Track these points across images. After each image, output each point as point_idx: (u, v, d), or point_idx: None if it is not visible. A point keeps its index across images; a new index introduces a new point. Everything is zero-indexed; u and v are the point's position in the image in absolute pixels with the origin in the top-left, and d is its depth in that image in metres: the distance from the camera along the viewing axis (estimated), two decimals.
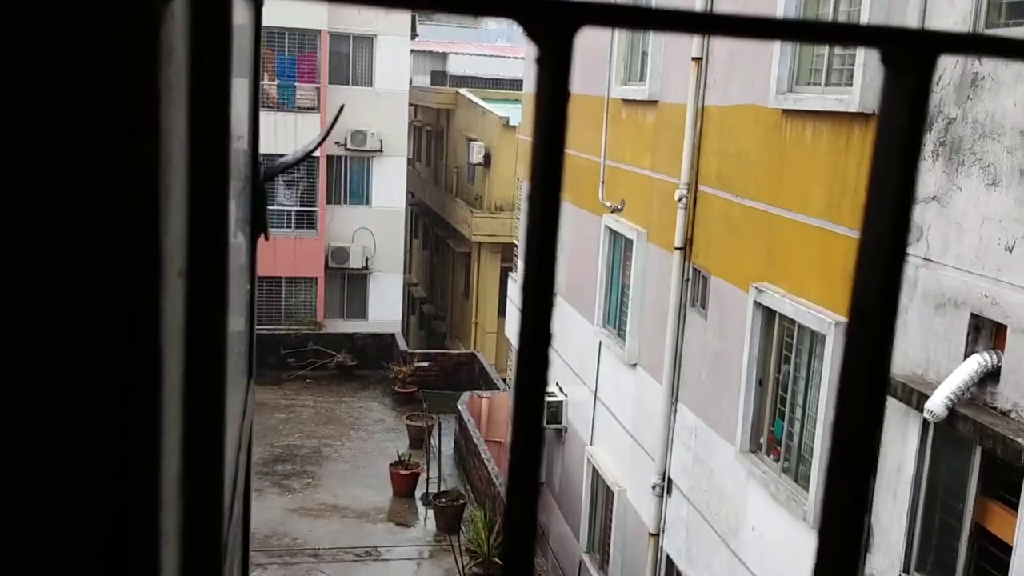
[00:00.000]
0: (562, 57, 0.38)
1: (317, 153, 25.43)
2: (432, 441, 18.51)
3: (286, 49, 25.72)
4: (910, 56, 0.44)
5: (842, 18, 8.01)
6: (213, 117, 0.75)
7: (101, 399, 0.53)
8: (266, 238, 1.76)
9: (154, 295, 0.53)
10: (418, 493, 17.79)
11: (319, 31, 25.57)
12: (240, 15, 1.43)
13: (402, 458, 18.03)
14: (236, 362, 1.47)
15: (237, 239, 1.50)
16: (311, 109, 25.60)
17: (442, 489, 17.29)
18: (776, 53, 8.59)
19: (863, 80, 7.34)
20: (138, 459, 0.55)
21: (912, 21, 6.82)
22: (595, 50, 13.38)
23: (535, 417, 0.42)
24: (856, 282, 0.47)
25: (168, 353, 0.58)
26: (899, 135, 0.45)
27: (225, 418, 0.88)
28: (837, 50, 8.08)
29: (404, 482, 17.75)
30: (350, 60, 26.50)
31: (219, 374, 0.83)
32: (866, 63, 7.33)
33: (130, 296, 0.52)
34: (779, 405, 8.86)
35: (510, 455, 0.42)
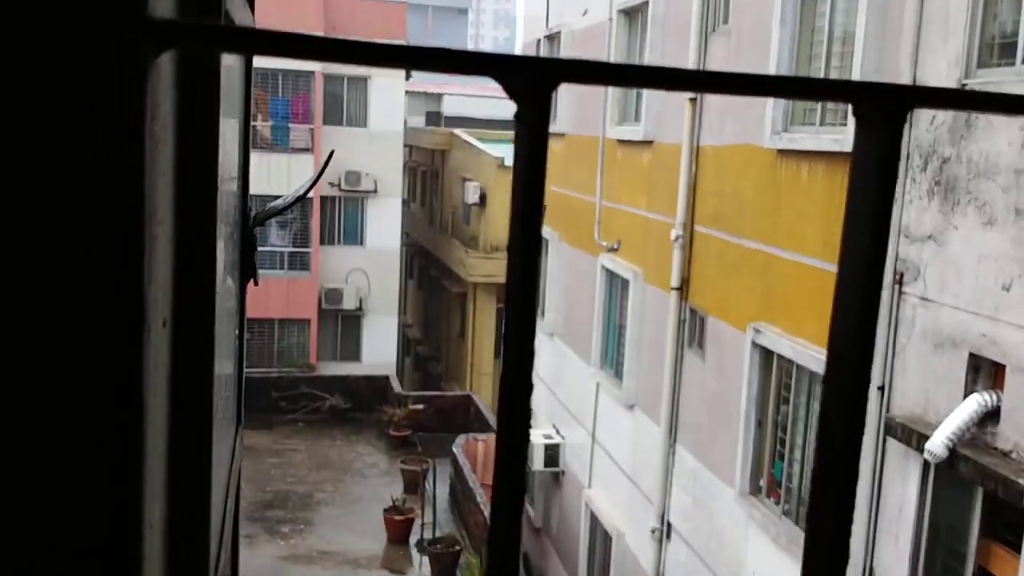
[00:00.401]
0: (540, 112, 0.39)
1: (311, 194, 25.49)
2: (427, 486, 18.32)
3: (280, 90, 25.88)
4: (880, 110, 0.45)
5: (835, 58, 8.06)
6: (200, 171, 0.76)
7: (82, 448, 0.53)
8: (255, 283, 1.72)
9: (137, 345, 0.52)
10: (413, 539, 17.55)
11: (313, 72, 25.76)
12: (229, 58, 1.41)
13: (396, 503, 17.83)
14: (224, 409, 1.42)
15: (226, 284, 1.46)
16: (305, 150, 25.70)
17: (437, 535, 17.07)
18: None
19: None
20: (118, 506, 0.55)
21: (905, 62, 6.85)
22: (590, 91, 13.47)
23: (519, 459, 0.42)
24: (833, 329, 0.47)
25: (152, 402, 0.57)
26: (871, 187, 0.45)
27: (211, 467, 0.85)
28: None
29: (398, 528, 17.53)
30: (344, 101, 26.67)
31: (205, 424, 0.80)
32: None
33: (113, 347, 0.52)
34: (779, 446, 8.77)
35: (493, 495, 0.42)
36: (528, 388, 0.42)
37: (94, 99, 0.47)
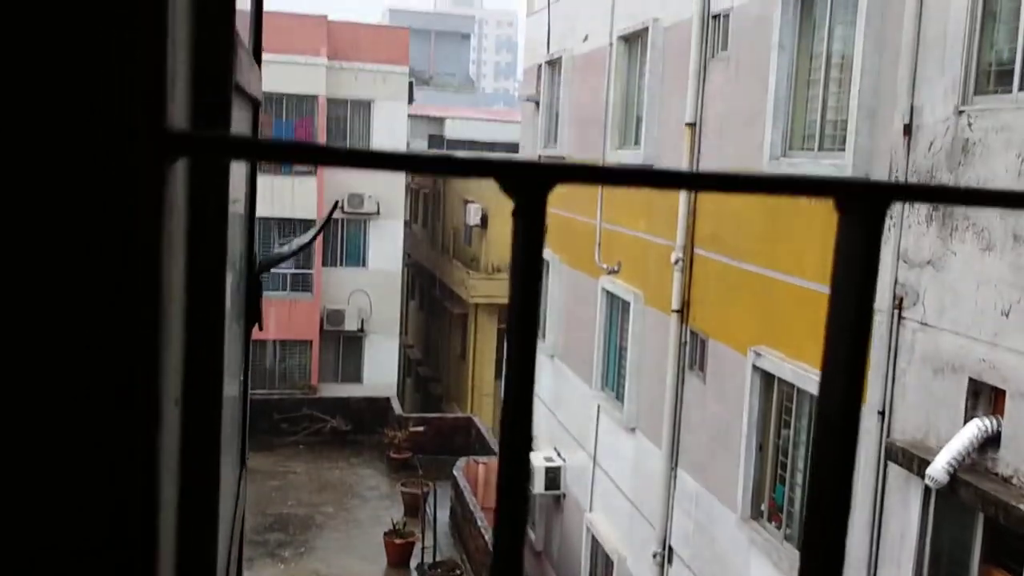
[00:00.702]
0: (536, 211, 0.42)
1: (314, 216, 25.56)
2: (428, 509, 18.25)
3: (284, 113, 26.03)
4: (861, 205, 0.47)
5: (833, 84, 8.12)
6: (209, 258, 0.78)
7: (93, 536, 0.54)
8: (260, 328, 1.74)
9: (154, 428, 0.55)
10: (413, 563, 17.47)
11: (317, 96, 25.91)
12: (237, 121, 1.44)
13: (397, 527, 17.75)
14: (228, 457, 1.44)
15: (231, 331, 1.48)
16: (308, 173, 25.80)
17: (438, 559, 16.99)
18: (770, 118, 8.69)
19: (856, 144, 7.41)
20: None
21: (902, 88, 6.90)
22: (591, 115, 13.55)
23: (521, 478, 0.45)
24: (818, 425, 0.50)
25: (165, 480, 0.59)
26: (855, 276, 0.48)
27: (217, 543, 0.87)
28: (830, 115, 8.18)
29: (399, 552, 17.45)
30: (347, 124, 26.80)
31: (211, 505, 0.83)
32: (858, 129, 7.40)
33: (126, 431, 0.54)
34: (780, 470, 8.76)
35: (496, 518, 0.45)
36: (528, 423, 0.45)
37: (115, 206, 0.50)
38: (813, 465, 0.53)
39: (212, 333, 0.81)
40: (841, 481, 0.51)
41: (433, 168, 0.42)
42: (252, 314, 1.71)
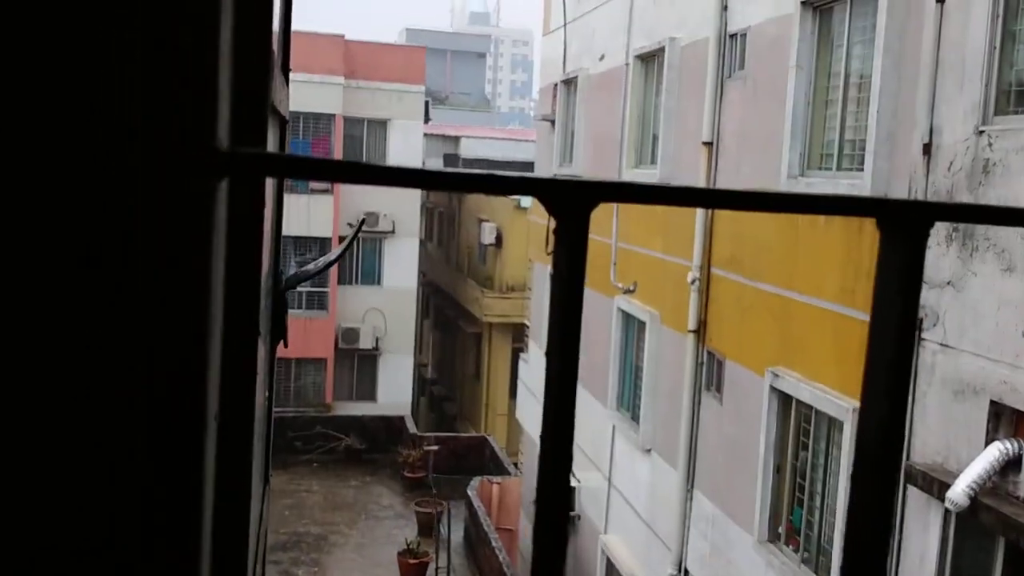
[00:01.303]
0: (579, 230, 0.42)
1: (329, 234, 25.66)
2: (441, 529, 18.18)
3: (300, 133, 26.19)
4: (904, 225, 0.47)
5: (852, 104, 8.09)
6: (245, 275, 0.79)
7: (138, 547, 0.55)
8: (285, 345, 1.74)
9: (199, 442, 0.56)
10: None
11: (333, 115, 26.06)
12: (272, 135, 1.44)
13: (411, 546, 17.69)
14: (255, 478, 1.43)
15: (260, 350, 1.48)
16: (325, 191, 25.93)
17: None
18: (787, 137, 8.67)
19: (874, 164, 7.37)
20: None
21: (921, 108, 6.87)
22: (606, 133, 13.56)
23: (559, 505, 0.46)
24: (859, 439, 0.49)
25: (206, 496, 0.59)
26: (896, 296, 0.47)
27: (247, 561, 0.88)
28: (848, 135, 8.15)
29: (412, 571, 17.37)
30: (364, 143, 26.94)
31: (243, 519, 0.83)
32: (877, 149, 7.37)
33: (174, 443, 0.55)
34: (797, 493, 8.67)
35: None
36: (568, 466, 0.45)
37: (169, 223, 0.52)
38: (851, 501, 0.51)
39: (247, 350, 0.82)
40: (881, 517, 0.50)
41: (476, 187, 0.41)
42: (278, 331, 1.70)
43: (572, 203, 0.41)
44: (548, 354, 0.43)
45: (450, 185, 0.41)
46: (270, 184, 1.60)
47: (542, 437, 0.44)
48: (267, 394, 1.72)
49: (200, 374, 0.55)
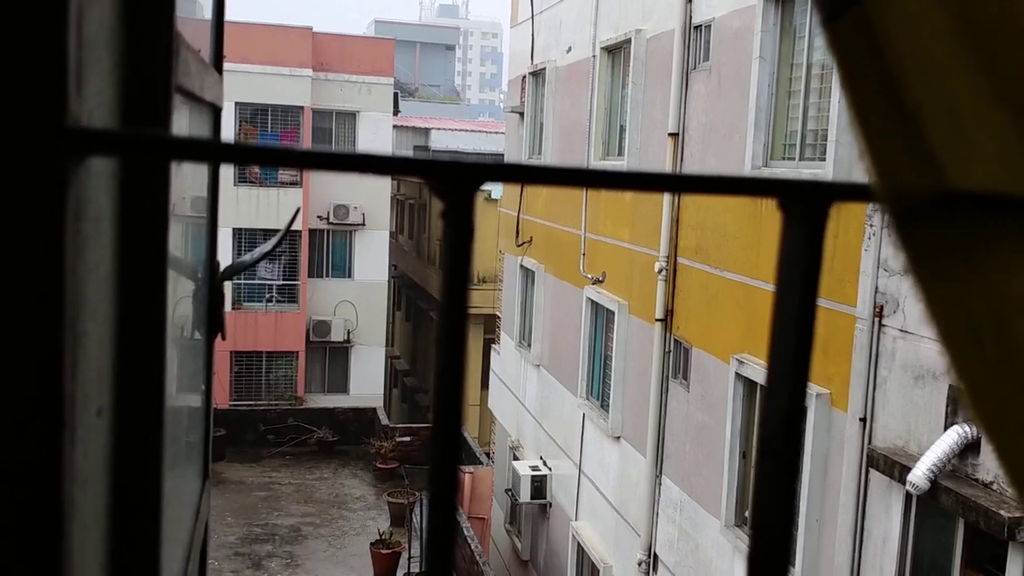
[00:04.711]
0: (464, 209, 0.42)
1: (300, 227, 25.54)
2: (414, 518, 18.21)
3: (269, 125, 26.00)
4: (804, 205, 0.47)
5: (814, 94, 8.20)
6: (143, 263, 0.77)
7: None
8: (223, 338, 1.76)
9: (56, 440, 0.52)
10: (400, 573, 17.42)
11: (302, 107, 25.90)
12: (196, 128, 1.45)
13: (383, 537, 17.71)
14: (186, 468, 1.44)
15: (194, 339, 1.49)
16: (293, 184, 25.78)
17: (424, 569, 16.93)
18: (751, 128, 8.77)
19: (836, 153, 7.48)
20: None
21: None
22: (574, 124, 13.62)
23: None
24: (763, 413, 0.48)
25: (81, 494, 0.58)
26: (797, 276, 0.47)
27: (160, 543, 0.87)
28: (810, 125, 8.26)
29: (385, 562, 17.40)
30: (332, 135, 26.79)
31: (153, 503, 0.82)
32: (838, 139, 7.48)
33: (28, 446, 0.52)
34: (753, 488, 8.78)
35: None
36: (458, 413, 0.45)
37: (7, 208, 0.49)
38: (758, 464, 0.51)
39: (150, 341, 0.80)
40: (786, 485, 0.50)
41: (358, 167, 0.41)
42: (214, 323, 1.71)
43: (456, 184, 0.41)
44: (438, 334, 0.44)
45: (333, 165, 0.42)
46: (202, 173, 1.61)
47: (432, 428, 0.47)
48: (204, 387, 1.73)
49: (52, 367, 0.51)
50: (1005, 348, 0.43)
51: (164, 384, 0.84)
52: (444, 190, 0.41)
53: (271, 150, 0.43)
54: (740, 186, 0.52)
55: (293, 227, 25.24)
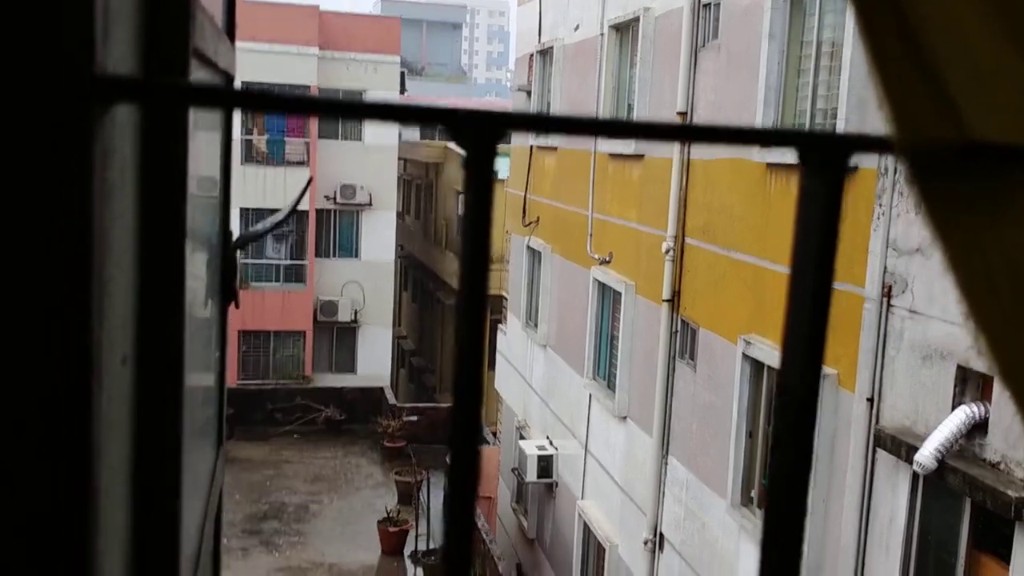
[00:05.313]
0: (487, 160, 0.41)
1: (306, 207, 25.53)
2: (421, 497, 18.31)
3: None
4: (822, 157, 0.47)
5: (823, 72, 8.14)
6: (165, 215, 0.77)
7: (28, 490, 0.53)
8: (236, 306, 1.76)
9: (85, 391, 0.53)
10: (407, 550, 17.53)
11: (308, 87, 25.82)
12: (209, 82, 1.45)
13: (391, 514, 17.81)
14: (202, 430, 1.45)
15: (207, 308, 1.49)
16: (300, 163, 25.75)
17: (432, 546, 17.05)
18: (760, 106, 8.71)
19: (845, 131, 7.38)
20: (70, 564, 0.54)
21: None
22: (582, 104, 13.55)
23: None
24: (782, 370, 0.49)
25: (107, 436, 0.59)
26: (815, 229, 0.47)
27: (180, 489, 0.88)
28: (819, 103, 8.20)
29: (393, 539, 17.51)
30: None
31: (174, 453, 0.83)
32: (847, 116, 7.43)
33: (58, 386, 0.53)
34: (769, 457, 8.80)
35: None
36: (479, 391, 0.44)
37: (38, 154, 0.49)
38: (775, 431, 0.51)
39: (170, 292, 0.81)
40: (802, 443, 0.50)
41: (379, 115, 0.41)
42: (227, 292, 1.72)
43: (479, 133, 0.40)
44: (458, 294, 0.44)
45: (353, 113, 0.41)
46: (215, 144, 1.61)
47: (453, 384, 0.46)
48: (218, 354, 1.74)
49: (82, 312, 0.52)
50: (1021, 297, 0.43)
51: (184, 334, 0.84)
52: (467, 139, 0.41)
53: (289, 98, 0.44)
54: (759, 137, 0.52)
55: (300, 207, 25.24)
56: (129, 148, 0.68)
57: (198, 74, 1.17)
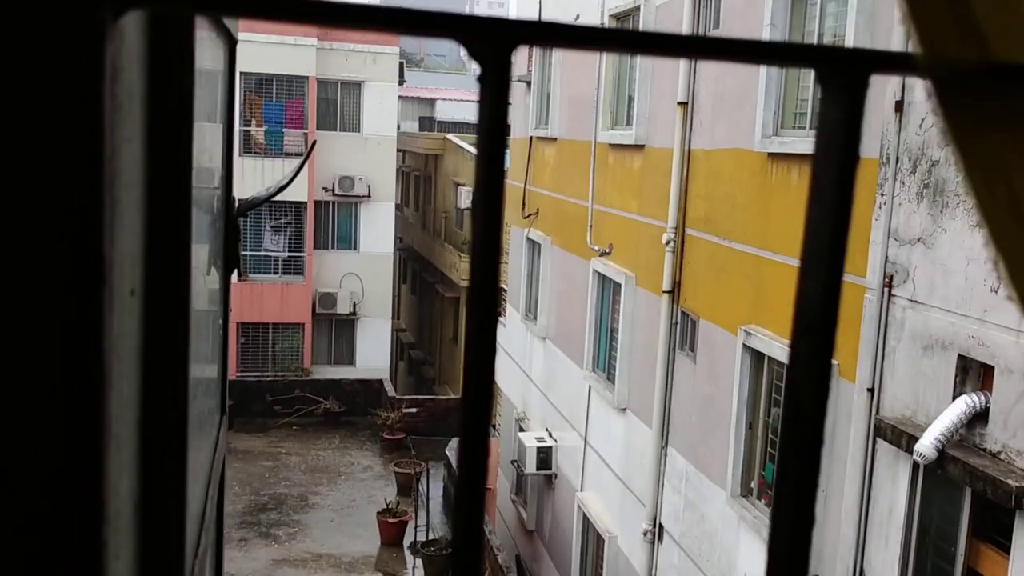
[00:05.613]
0: (502, 72, 0.40)
1: (304, 198, 25.48)
2: (421, 488, 18.32)
3: (274, 95, 25.88)
4: (843, 75, 0.45)
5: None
6: (173, 140, 0.76)
7: (39, 413, 0.52)
8: (239, 275, 1.75)
9: (97, 307, 0.53)
10: (406, 542, 17.55)
11: (307, 77, 25.77)
12: (212, 57, 1.43)
13: (390, 506, 17.82)
14: (206, 396, 1.44)
15: (210, 274, 1.48)
16: (299, 154, 25.69)
17: (431, 537, 17.07)
18: (761, 97, 8.69)
19: None
20: (81, 480, 0.54)
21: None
22: (582, 96, 13.52)
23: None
24: (798, 304, 0.47)
25: (117, 367, 0.58)
26: (835, 152, 0.45)
27: (186, 439, 0.87)
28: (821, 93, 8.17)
29: (392, 530, 17.52)
30: (338, 106, 26.68)
31: (180, 394, 0.81)
32: None
33: (71, 307, 0.52)
34: (769, 448, 8.81)
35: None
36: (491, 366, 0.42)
37: (47, 61, 0.49)
38: (785, 410, 0.49)
39: (177, 220, 0.80)
40: (814, 422, 0.47)
41: (387, 26, 0.39)
42: (231, 259, 1.71)
43: (494, 43, 0.39)
44: (472, 210, 0.42)
45: (360, 22, 0.40)
46: (217, 126, 1.59)
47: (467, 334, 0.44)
48: (221, 322, 1.73)
49: (95, 228, 0.51)
50: None
51: (190, 268, 0.83)
52: (481, 50, 0.39)
53: (295, 4, 0.41)
54: (776, 52, 0.50)
55: (298, 199, 25.20)
56: (136, 73, 0.67)
57: (202, 36, 1.16)
